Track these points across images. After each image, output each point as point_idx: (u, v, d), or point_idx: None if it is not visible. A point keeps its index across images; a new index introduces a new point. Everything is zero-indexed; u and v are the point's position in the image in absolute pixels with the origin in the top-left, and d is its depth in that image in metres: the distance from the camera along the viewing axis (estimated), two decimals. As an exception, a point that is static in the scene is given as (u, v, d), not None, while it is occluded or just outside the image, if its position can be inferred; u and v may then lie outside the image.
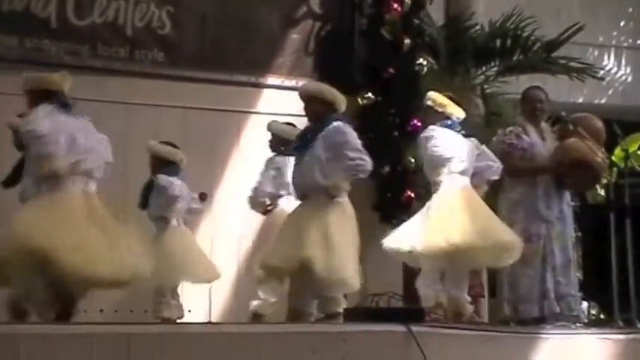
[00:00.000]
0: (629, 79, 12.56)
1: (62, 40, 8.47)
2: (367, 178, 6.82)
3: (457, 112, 6.89)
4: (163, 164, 7.69)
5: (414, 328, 5.05)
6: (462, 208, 6.56)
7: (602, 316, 8.26)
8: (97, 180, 6.03)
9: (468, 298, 6.73)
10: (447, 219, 6.53)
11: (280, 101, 9.23)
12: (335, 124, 6.42)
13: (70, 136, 5.86)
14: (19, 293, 5.74)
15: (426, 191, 9.23)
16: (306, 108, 6.69)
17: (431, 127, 6.83)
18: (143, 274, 5.85)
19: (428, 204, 6.78)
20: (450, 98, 6.95)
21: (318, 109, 6.52)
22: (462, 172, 6.73)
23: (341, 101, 6.55)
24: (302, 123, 9.18)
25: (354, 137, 6.36)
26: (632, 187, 7.48)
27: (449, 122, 6.82)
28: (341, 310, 6.11)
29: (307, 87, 6.82)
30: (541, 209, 6.61)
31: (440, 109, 6.88)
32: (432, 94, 7.00)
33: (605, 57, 12.39)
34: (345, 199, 6.42)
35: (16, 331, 4.59)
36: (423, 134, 6.90)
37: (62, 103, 6.02)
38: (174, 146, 7.77)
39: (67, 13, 8.51)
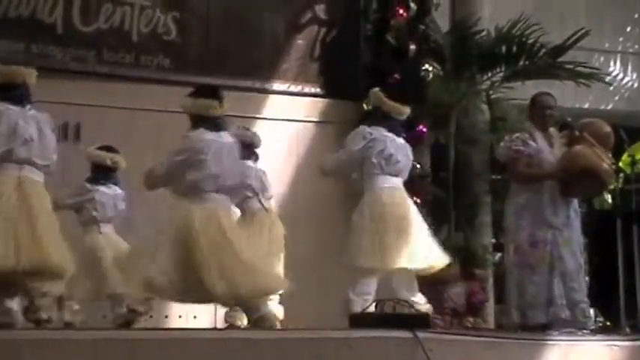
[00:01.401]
0: (635, 85, 12.55)
1: (68, 46, 8.51)
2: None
3: (396, 112, 6.85)
4: (99, 170, 7.57)
5: (420, 334, 5.02)
6: (388, 227, 6.55)
7: (608, 323, 8.22)
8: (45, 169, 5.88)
9: (423, 300, 6.69)
10: (375, 237, 6.52)
11: (286, 107, 9.23)
12: None
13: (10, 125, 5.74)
14: None
15: (432, 197, 9.31)
16: None
17: (361, 127, 6.81)
18: (66, 267, 5.79)
19: (360, 209, 6.68)
20: (392, 97, 6.90)
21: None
22: (396, 174, 6.75)
23: (199, 108, 6.17)
24: (308, 129, 9.26)
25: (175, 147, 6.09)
26: (638, 193, 7.47)
27: (387, 122, 6.79)
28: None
29: None
30: (547, 215, 6.56)
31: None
32: (373, 92, 7.00)
33: (611, 63, 12.38)
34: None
35: (18, 337, 4.58)
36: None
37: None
38: (112, 150, 7.55)
39: (73, 19, 8.55)
